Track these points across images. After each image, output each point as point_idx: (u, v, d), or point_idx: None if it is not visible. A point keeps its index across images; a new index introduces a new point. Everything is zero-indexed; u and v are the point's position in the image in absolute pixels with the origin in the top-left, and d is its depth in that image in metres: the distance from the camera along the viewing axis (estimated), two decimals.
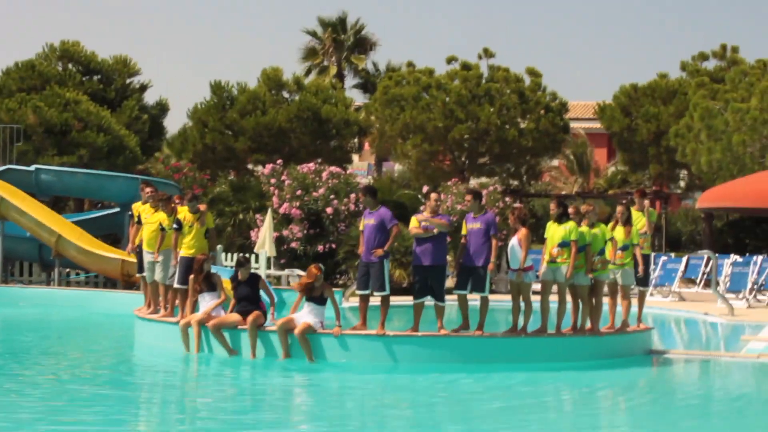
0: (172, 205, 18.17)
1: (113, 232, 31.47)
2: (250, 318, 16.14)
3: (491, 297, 16.60)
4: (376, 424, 12.25)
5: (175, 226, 17.61)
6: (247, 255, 29.04)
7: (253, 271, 17.01)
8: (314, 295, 16.05)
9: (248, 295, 16.55)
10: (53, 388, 14.01)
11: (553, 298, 16.54)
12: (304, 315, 16.04)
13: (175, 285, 17.58)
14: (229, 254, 30.17)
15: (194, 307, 17.06)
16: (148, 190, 18.58)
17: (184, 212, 17.69)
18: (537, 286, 16.89)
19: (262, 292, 16.77)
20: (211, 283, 16.84)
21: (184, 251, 17.45)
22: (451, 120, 38.71)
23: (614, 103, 42.29)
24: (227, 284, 17.09)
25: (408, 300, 25.93)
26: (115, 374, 15.56)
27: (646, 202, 18.57)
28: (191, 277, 16.90)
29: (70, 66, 40.41)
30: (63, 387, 14.09)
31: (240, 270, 16.65)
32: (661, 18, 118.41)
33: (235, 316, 16.45)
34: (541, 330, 16.53)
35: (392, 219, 16.28)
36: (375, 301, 16.47)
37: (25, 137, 33.99)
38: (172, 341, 17.31)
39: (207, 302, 16.80)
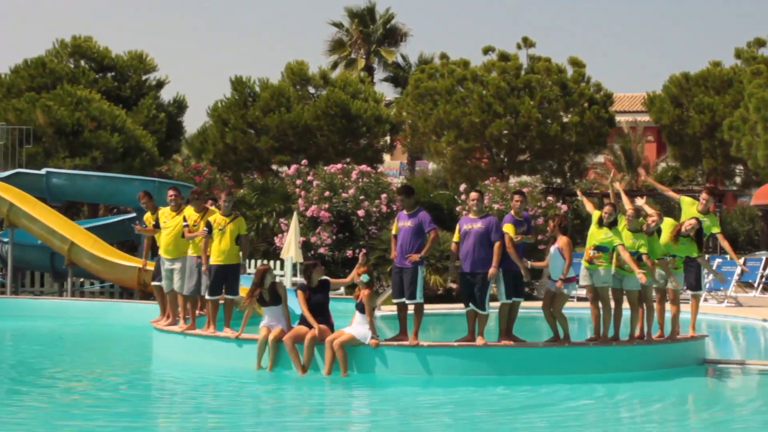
0: (206, 204, 18.20)
1: (129, 239, 31.61)
2: (312, 333, 15.92)
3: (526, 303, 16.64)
4: None
5: (205, 228, 17.57)
6: (266, 261, 29.14)
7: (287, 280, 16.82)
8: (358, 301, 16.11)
9: (322, 302, 16.31)
10: (67, 402, 14.11)
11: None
12: (354, 326, 16.01)
13: (207, 297, 17.61)
14: (253, 261, 30.26)
15: (247, 320, 16.89)
16: (171, 193, 18.55)
17: (215, 215, 17.71)
18: (582, 292, 16.87)
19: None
20: (276, 295, 16.54)
21: (214, 258, 17.44)
22: (489, 114, 38.65)
23: (664, 94, 42.10)
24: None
25: (445, 308, 25.95)
26: (132, 390, 15.61)
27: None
28: (251, 289, 16.57)
29: (82, 63, 40.75)
30: (77, 402, 14.19)
31: (311, 275, 16.39)
32: (713, 2, 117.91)
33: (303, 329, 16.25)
34: (593, 338, 16.58)
35: (431, 223, 16.30)
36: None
37: (35, 139, 34.20)
38: (194, 355, 17.41)
39: (274, 314, 16.45)
